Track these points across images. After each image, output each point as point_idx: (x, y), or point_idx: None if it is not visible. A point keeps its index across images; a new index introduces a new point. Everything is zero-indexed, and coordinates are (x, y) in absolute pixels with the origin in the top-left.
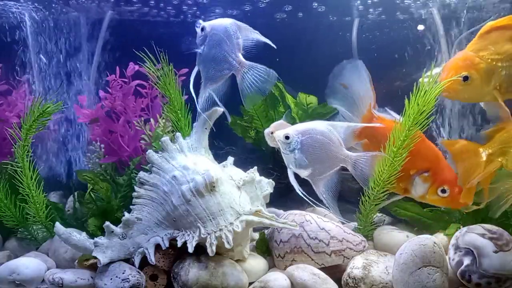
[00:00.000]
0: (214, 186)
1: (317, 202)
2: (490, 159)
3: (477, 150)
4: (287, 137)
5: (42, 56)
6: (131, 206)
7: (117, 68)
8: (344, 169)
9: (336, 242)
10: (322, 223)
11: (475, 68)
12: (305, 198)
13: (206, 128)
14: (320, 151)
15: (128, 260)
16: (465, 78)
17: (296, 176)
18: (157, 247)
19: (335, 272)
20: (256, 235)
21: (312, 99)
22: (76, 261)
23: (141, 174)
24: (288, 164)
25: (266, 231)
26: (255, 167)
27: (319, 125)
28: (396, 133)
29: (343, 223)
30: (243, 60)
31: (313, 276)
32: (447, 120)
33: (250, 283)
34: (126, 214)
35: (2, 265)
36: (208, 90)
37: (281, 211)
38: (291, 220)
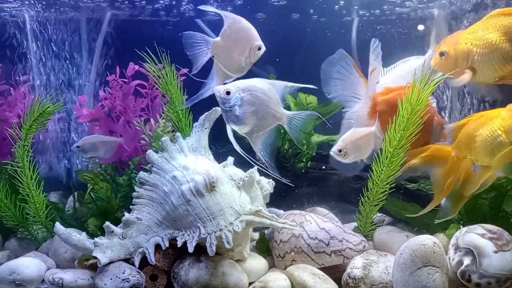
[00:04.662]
0: (214, 186)
1: (255, 161)
2: (461, 158)
3: (449, 152)
4: (228, 93)
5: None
6: (131, 206)
7: (117, 68)
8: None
9: (336, 242)
10: (322, 223)
11: (454, 47)
12: (245, 156)
13: (206, 128)
14: (259, 108)
15: (128, 260)
16: (441, 54)
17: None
18: (157, 247)
19: (335, 272)
20: (256, 235)
21: (312, 99)
22: (76, 261)
23: (141, 174)
24: (227, 120)
25: (266, 231)
26: (255, 167)
27: (259, 83)
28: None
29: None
30: None
31: (313, 276)
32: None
33: (250, 283)
34: (126, 214)
35: (2, 265)
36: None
37: (281, 211)
38: (291, 220)
